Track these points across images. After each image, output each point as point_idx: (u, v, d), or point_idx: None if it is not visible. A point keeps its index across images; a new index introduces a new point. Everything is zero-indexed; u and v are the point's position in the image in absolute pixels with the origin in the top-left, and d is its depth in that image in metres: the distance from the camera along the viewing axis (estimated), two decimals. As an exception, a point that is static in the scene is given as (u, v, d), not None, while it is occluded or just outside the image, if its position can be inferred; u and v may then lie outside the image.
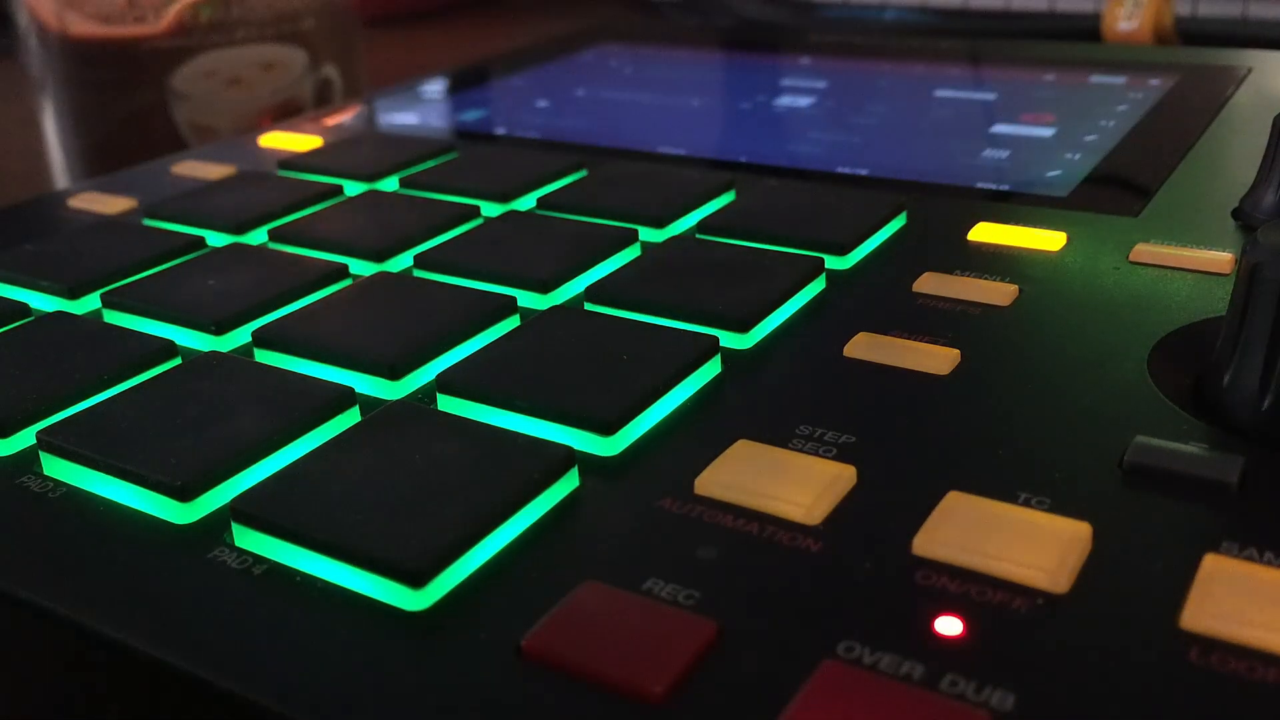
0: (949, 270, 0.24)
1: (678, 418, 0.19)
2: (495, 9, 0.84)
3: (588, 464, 0.18)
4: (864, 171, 0.32)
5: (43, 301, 0.26)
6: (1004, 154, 0.32)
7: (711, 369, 0.21)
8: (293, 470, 0.18)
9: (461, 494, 0.17)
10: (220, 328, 0.23)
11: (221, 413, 0.19)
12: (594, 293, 0.23)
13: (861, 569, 0.15)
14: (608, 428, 0.18)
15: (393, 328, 0.22)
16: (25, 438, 0.20)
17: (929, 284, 0.24)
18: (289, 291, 0.24)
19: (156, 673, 0.15)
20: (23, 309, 0.25)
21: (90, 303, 0.25)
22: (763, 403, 0.20)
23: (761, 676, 0.14)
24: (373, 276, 0.25)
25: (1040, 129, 0.34)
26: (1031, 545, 0.15)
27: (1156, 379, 0.20)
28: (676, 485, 0.18)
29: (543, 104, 0.42)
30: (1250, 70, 0.39)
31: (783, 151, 0.34)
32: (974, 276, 0.24)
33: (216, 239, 0.28)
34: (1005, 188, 0.29)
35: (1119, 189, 0.29)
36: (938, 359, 0.21)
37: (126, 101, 0.45)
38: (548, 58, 0.49)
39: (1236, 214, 0.26)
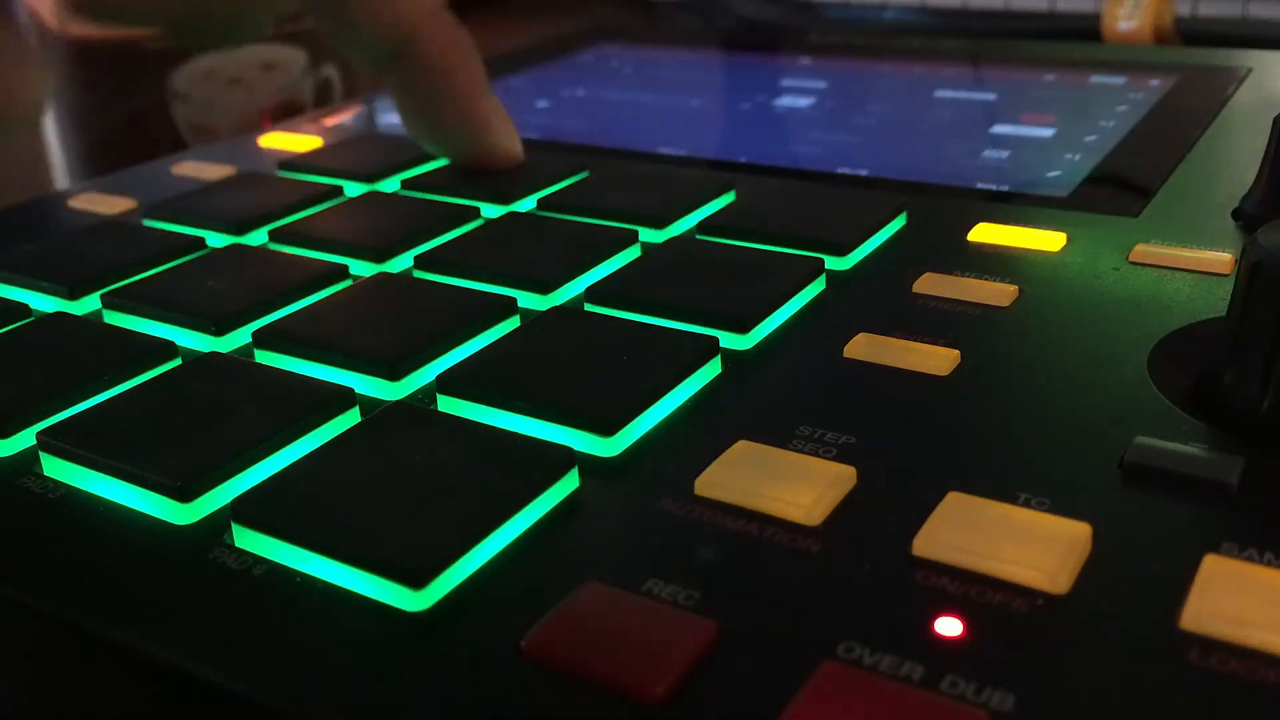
0: (949, 271, 0.24)
1: (678, 418, 0.19)
2: (495, 9, 0.84)
3: (588, 464, 0.18)
4: (864, 172, 0.32)
5: (43, 301, 0.26)
6: (1004, 154, 0.32)
7: (711, 369, 0.21)
8: (293, 470, 0.18)
9: (461, 494, 0.17)
10: (220, 328, 0.23)
11: (221, 413, 0.19)
12: (594, 293, 0.23)
13: (861, 569, 0.15)
14: (608, 428, 0.18)
15: (393, 328, 0.22)
16: (25, 438, 0.20)
17: (929, 284, 0.24)
18: (289, 291, 0.24)
19: (156, 673, 0.15)
20: (23, 309, 0.25)
21: (90, 303, 0.25)
22: (763, 403, 0.20)
23: (761, 676, 0.14)
24: (373, 276, 0.25)
25: (1040, 129, 0.34)
26: (1031, 545, 0.15)
27: (1156, 379, 0.20)
28: (676, 485, 0.18)
29: (543, 104, 0.42)
30: (1250, 70, 0.39)
31: (783, 152, 0.34)
32: (974, 277, 0.24)
33: (216, 239, 0.28)
34: (1005, 188, 0.29)
35: (1119, 189, 0.29)
36: (938, 359, 0.21)
37: (126, 101, 0.45)
38: (547, 58, 0.49)
39: (1236, 214, 0.26)
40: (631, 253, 0.26)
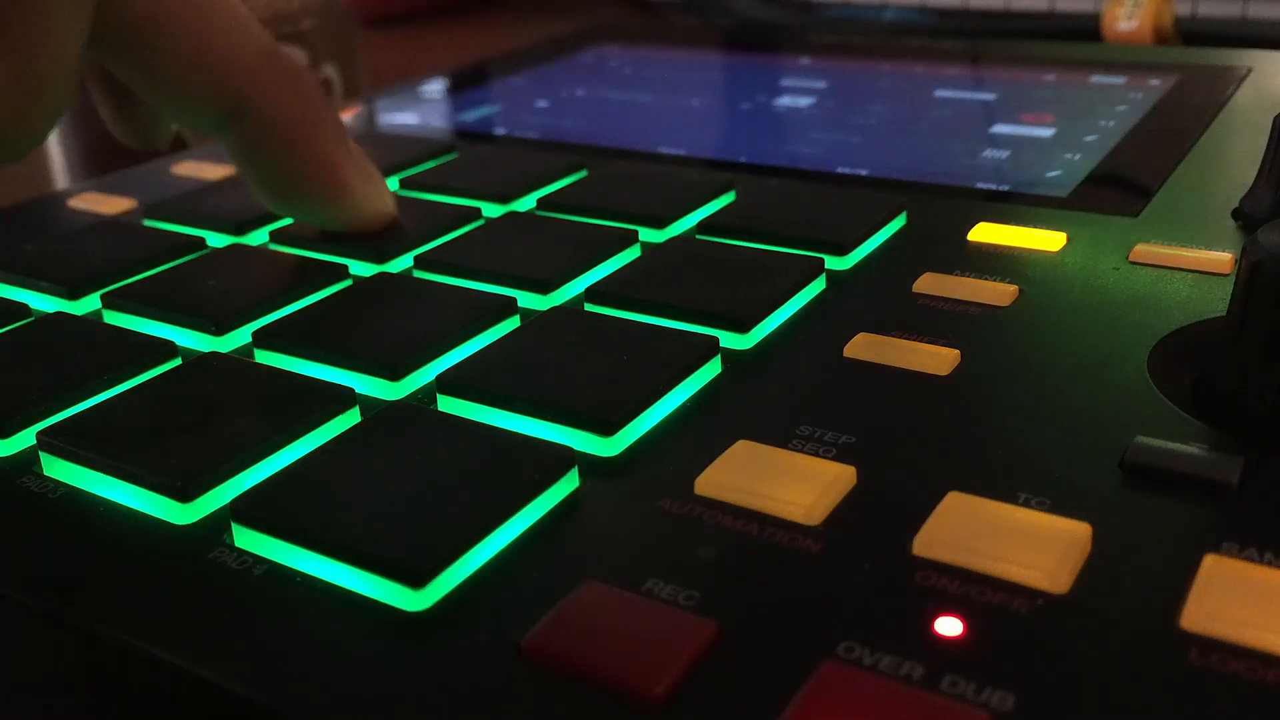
0: (949, 270, 0.24)
1: (678, 418, 0.19)
2: (495, 9, 0.84)
3: (588, 464, 0.18)
4: (864, 171, 0.32)
5: (43, 301, 0.26)
6: (1004, 154, 0.32)
7: (711, 369, 0.21)
8: (293, 470, 0.18)
9: (461, 494, 0.17)
10: (220, 328, 0.23)
11: (221, 413, 0.19)
12: (594, 293, 0.23)
13: (861, 569, 0.15)
14: (608, 428, 0.18)
15: (393, 328, 0.22)
16: (25, 438, 0.20)
17: (929, 284, 0.24)
18: (289, 291, 0.24)
19: (156, 673, 0.15)
20: (23, 309, 0.25)
21: (90, 303, 0.25)
22: (763, 403, 0.20)
23: (761, 676, 0.14)
24: (373, 276, 0.25)
25: (1040, 129, 0.34)
26: (1031, 545, 0.15)
27: (1156, 379, 0.20)
28: (676, 485, 0.18)
29: (542, 104, 0.42)
30: (1250, 70, 0.39)
31: (783, 151, 0.34)
32: (974, 276, 0.24)
33: (217, 239, 0.28)
34: (1005, 188, 0.29)
35: (1119, 189, 0.29)
36: (938, 359, 0.21)
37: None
38: (547, 58, 0.49)
39: (1236, 214, 0.26)
40: (631, 253, 0.26)
